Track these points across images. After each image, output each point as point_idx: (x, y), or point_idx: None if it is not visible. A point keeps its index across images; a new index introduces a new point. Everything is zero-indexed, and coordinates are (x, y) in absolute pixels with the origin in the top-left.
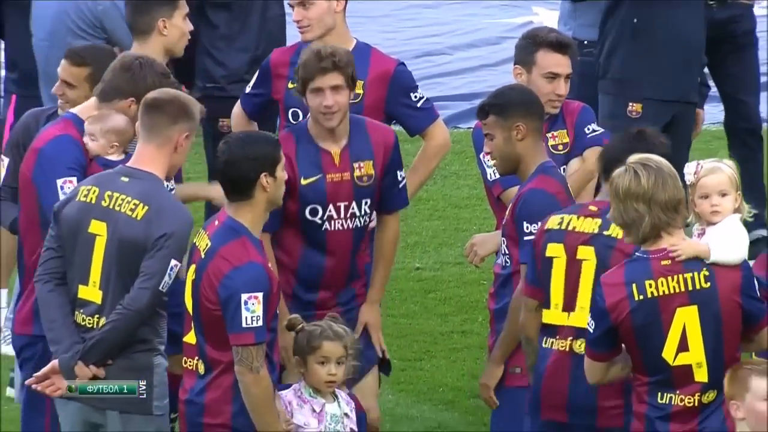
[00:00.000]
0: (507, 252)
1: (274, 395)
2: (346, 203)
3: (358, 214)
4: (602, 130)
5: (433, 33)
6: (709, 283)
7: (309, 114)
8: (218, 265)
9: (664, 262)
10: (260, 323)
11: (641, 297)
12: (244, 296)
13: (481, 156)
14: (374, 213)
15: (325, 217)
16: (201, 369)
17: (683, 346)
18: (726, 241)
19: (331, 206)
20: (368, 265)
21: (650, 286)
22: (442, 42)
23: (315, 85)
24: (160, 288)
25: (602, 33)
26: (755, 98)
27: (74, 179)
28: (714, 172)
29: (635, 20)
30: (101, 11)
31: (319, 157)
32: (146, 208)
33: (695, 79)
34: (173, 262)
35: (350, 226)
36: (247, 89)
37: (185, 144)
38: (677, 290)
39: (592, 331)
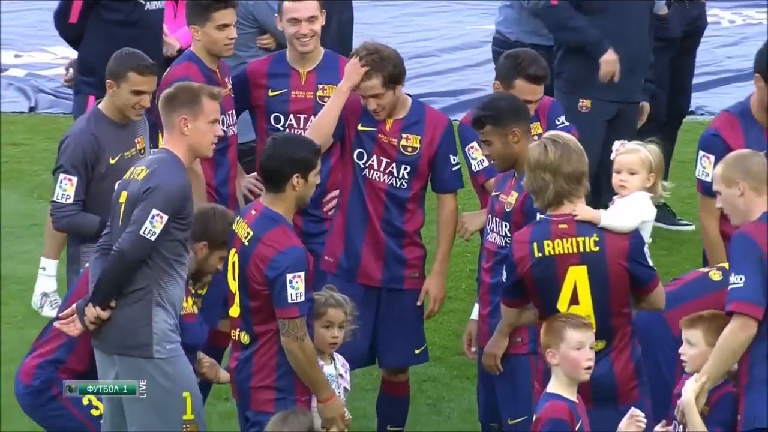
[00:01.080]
0: (509, 235)
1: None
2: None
3: (395, 174)
4: (569, 123)
5: (424, 38)
6: (598, 248)
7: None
8: (263, 251)
9: (561, 226)
10: (303, 298)
11: (540, 254)
12: (289, 276)
13: (466, 149)
14: (412, 184)
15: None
16: (245, 339)
17: (574, 300)
18: (620, 211)
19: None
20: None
21: (548, 245)
22: (431, 45)
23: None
24: (141, 233)
25: (556, 41)
26: (690, 90)
27: None
28: (629, 152)
29: None
30: (252, 5)
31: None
32: (147, 170)
33: (639, 82)
34: (155, 211)
35: (386, 180)
36: None
37: (188, 127)
38: (570, 251)
39: (505, 281)
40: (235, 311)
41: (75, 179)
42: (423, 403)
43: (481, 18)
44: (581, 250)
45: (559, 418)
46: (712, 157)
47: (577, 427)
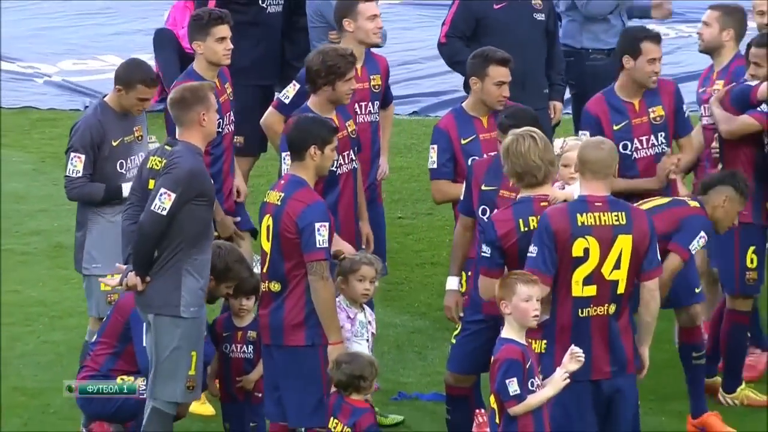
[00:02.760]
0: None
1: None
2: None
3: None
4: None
5: (411, 48)
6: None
7: None
8: (294, 206)
9: (542, 204)
10: (327, 245)
11: (526, 229)
12: (317, 225)
13: (431, 147)
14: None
15: None
16: (276, 287)
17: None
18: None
19: None
20: None
21: (533, 220)
22: (417, 54)
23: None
24: (153, 208)
25: None
26: None
27: None
28: (574, 149)
29: None
30: (320, 5)
31: None
32: (163, 161)
33: (534, 92)
34: (163, 189)
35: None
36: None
37: (206, 119)
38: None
39: (486, 255)
40: (265, 268)
41: (83, 157)
42: (410, 351)
43: None
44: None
45: (514, 359)
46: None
47: (527, 366)
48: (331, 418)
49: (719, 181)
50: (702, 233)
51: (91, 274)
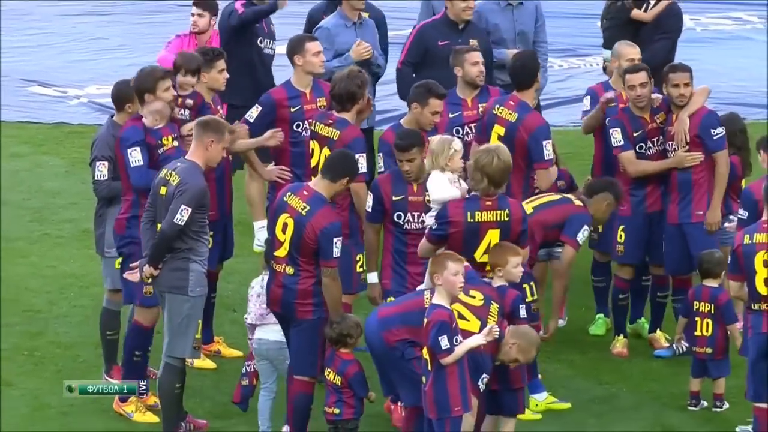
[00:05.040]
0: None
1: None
2: None
3: None
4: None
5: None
6: (508, 218)
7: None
8: (319, 221)
9: (488, 203)
10: (340, 254)
11: (472, 220)
12: (335, 239)
13: (378, 154)
14: None
15: None
16: (290, 270)
17: (487, 251)
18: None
19: None
20: None
21: (478, 215)
22: None
23: None
24: (174, 221)
25: None
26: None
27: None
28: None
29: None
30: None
31: None
32: (179, 178)
33: None
34: (183, 206)
35: None
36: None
37: (212, 147)
38: (490, 219)
39: (435, 228)
40: (281, 253)
41: (106, 163)
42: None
43: None
44: (497, 219)
45: (444, 320)
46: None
47: (453, 325)
48: (326, 369)
49: (603, 189)
50: (585, 227)
51: (108, 257)
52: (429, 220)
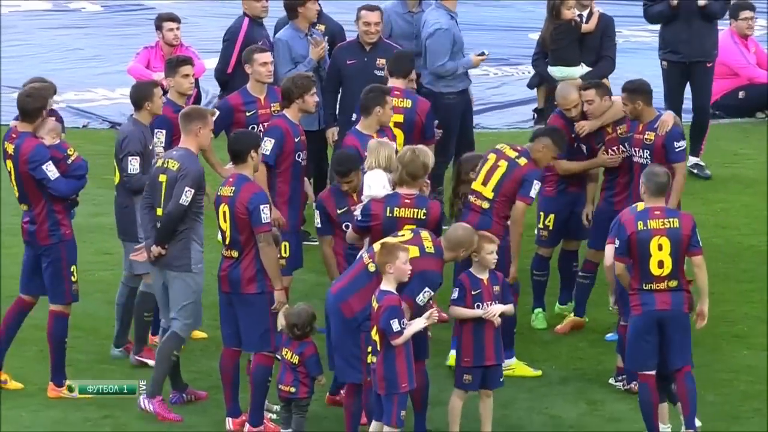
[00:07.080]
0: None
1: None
2: None
3: None
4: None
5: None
6: (425, 216)
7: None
8: (244, 195)
9: (407, 200)
10: (269, 220)
11: (390, 215)
12: (261, 206)
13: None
14: None
15: None
16: (235, 254)
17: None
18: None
19: None
20: None
21: (397, 210)
22: None
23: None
24: (180, 202)
25: None
26: (472, 130)
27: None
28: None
29: None
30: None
31: None
32: (179, 164)
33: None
34: (187, 188)
35: None
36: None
37: (201, 132)
38: (408, 216)
39: (359, 218)
40: (227, 240)
41: (138, 158)
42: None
43: None
44: (415, 217)
45: (395, 305)
46: None
47: (401, 309)
48: (283, 348)
49: (542, 134)
50: (536, 182)
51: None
52: (357, 211)
